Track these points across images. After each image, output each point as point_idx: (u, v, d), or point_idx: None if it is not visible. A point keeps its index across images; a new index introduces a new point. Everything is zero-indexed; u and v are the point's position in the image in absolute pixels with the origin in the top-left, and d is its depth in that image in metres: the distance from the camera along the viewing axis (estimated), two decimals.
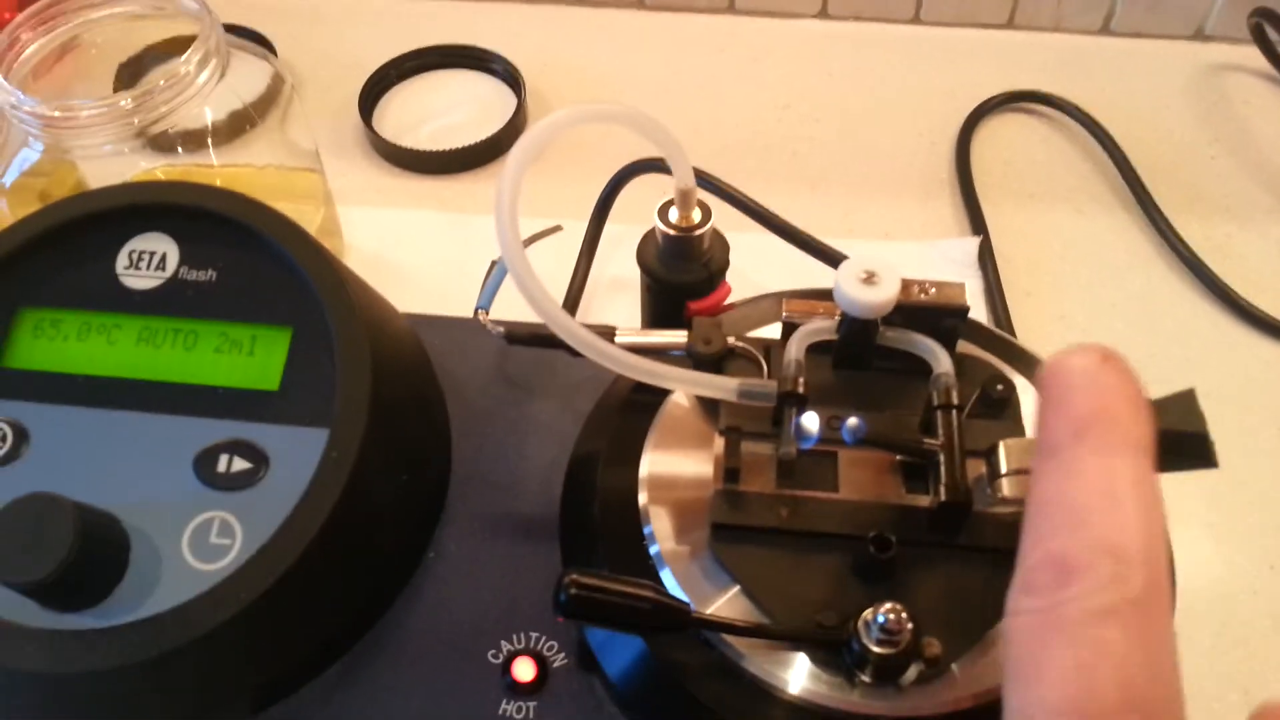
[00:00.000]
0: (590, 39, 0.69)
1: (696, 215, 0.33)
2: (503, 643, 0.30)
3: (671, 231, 0.32)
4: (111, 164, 0.49)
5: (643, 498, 0.29)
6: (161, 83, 0.45)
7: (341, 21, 0.71)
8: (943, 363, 0.28)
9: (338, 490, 0.28)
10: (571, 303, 0.52)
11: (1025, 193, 0.60)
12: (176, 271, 0.31)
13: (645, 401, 0.31)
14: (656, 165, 0.52)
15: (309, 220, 0.55)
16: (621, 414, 0.31)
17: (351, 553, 0.29)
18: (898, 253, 0.57)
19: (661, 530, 0.29)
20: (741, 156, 0.62)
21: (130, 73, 0.62)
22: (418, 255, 0.58)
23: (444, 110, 0.65)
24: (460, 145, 0.62)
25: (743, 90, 0.66)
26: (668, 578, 0.28)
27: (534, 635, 0.30)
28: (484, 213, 0.61)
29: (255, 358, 0.30)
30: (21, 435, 0.30)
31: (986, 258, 0.55)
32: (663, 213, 0.33)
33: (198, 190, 0.32)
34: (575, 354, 0.30)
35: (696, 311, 0.34)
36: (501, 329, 0.32)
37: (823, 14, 0.68)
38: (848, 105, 0.65)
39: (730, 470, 0.28)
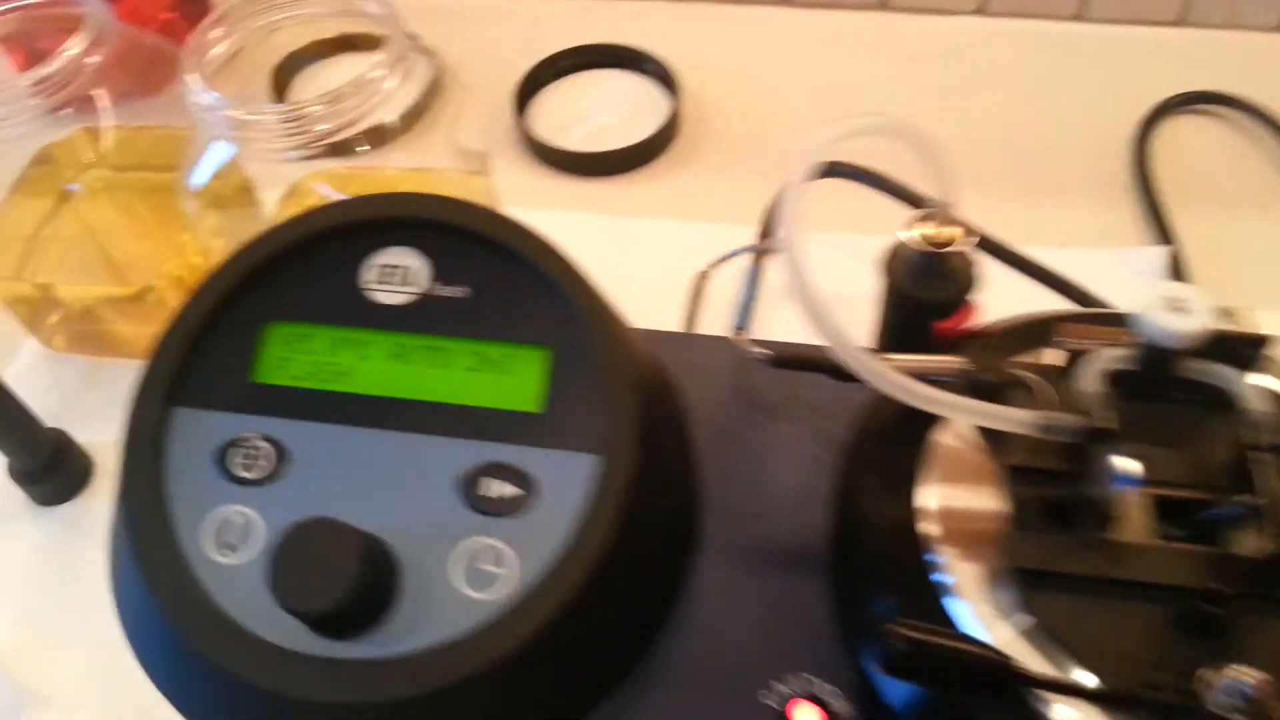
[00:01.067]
0: (740, 37, 0.67)
1: (950, 231, 0.31)
2: (772, 682, 0.28)
3: (926, 248, 0.31)
4: (284, 165, 0.48)
5: (926, 530, 0.28)
6: (351, 88, 0.44)
7: (489, 20, 0.70)
8: (1254, 398, 0.27)
9: (615, 519, 0.27)
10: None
11: (1210, 199, 0.58)
12: (428, 287, 0.31)
13: (912, 429, 0.29)
14: (839, 171, 0.51)
15: None
16: (890, 442, 0.30)
17: (627, 584, 0.28)
18: (1079, 261, 0.55)
19: (951, 567, 0.27)
20: (906, 159, 0.61)
21: (283, 75, 0.62)
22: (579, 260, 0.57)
23: (597, 110, 0.64)
24: (617, 147, 0.60)
25: (902, 90, 0.64)
26: (964, 616, 0.27)
27: (805, 676, 0.28)
28: (642, 216, 0.60)
29: (512, 378, 0.29)
30: (282, 453, 0.29)
31: (1178, 269, 0.53)
32: (917, 226, 0.31)
33: (447, 204, 0.31)
34: (842, 378, 0.29)
35: (944, 332, 0.32)
36: (767, 351, 0.31)
37: (980, 10, 0.66)
38: (1013, 107, 0.63)
39: (1027, 511, 0.27)
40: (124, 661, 0.47)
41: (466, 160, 0.52)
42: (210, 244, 0.55)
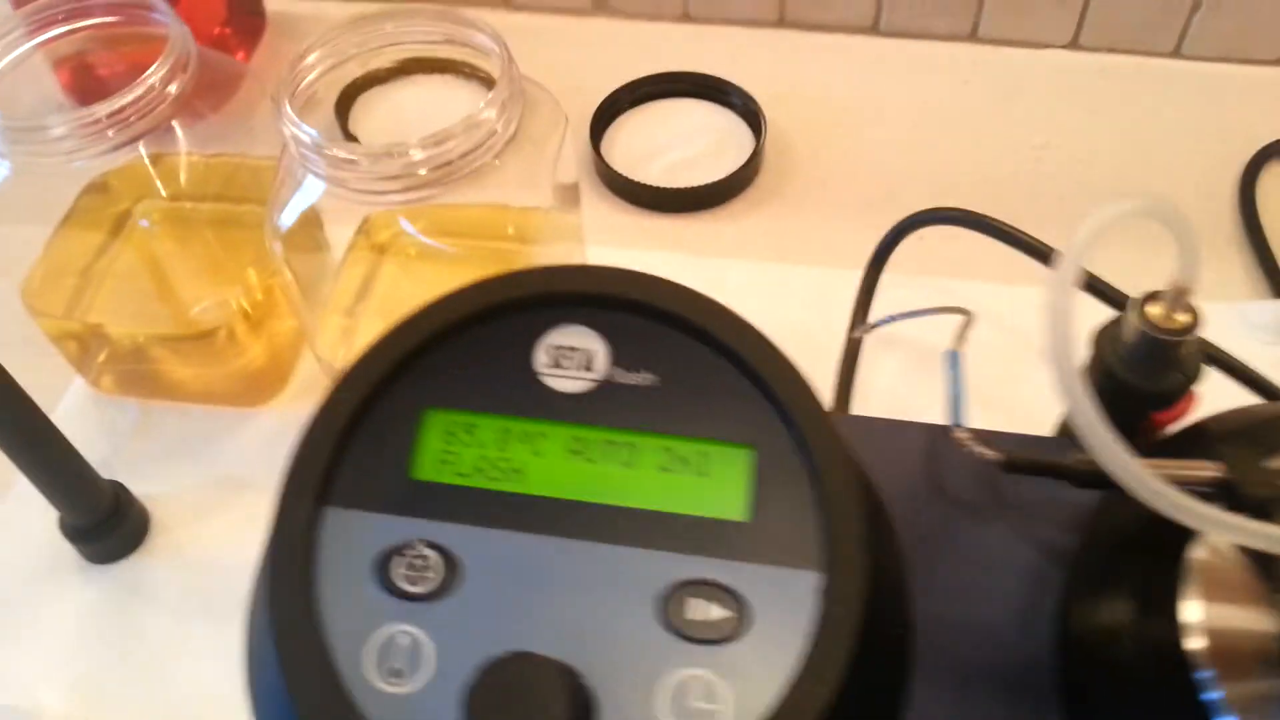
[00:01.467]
0: (825, 66, 0.64)
1: (1184, 317, 0.28)
2: None
3: (1156, 332, 0.28)
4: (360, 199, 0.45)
5: (1194, 648, 0.25)
6: (461, 128, 0.41)
7: (564, 43, 0.66)
8: None
9: (846, 649, 0.24)
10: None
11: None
12: (608, 373, 0.27)
13: (1161, 538, 0.26)
14: (933, 218, 0.48)
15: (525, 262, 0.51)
16: (1138, 553, 0.26)
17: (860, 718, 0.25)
18: None
19: (1221, 687, 0.24)
20: (1001, 199, 0.58)
21: (344, 102, 0.58)
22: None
23: (677, 143, 0.61)
24: (699, 183, 0.57)
25: (994, 125, 0.61)
26: None
27: None
28: (727, 255, 0.57)
29: (712, 480, 0.26)
30: (451, 563, 0.26)
31: None
32: (1145, 308, 0.28)
33: (628, 278, 0.28)
34: (1083, 485, 0.26)
35: (1163, 423, 0.29)
36: (997, 454, 0.27)
37: (1074, 44, 0.64)
38: (1111, 145, 0.60)
39: None
40: None
41: (563, 196, 0.49)
42: (275, 282, 0.51)
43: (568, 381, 0.27)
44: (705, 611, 0.25)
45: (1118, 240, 0.55)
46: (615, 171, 0.58)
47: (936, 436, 0.30)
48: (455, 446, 0.27)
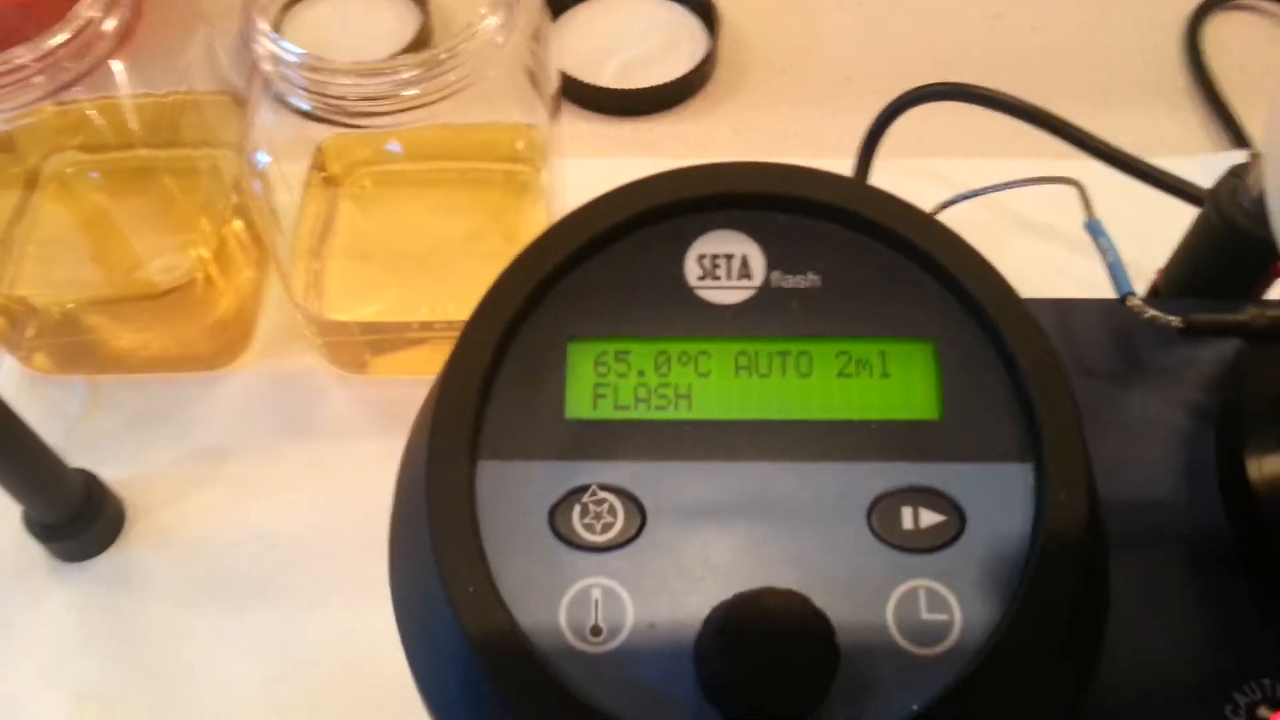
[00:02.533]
0: None
1: None
2: (1235, 695, 0.25)
3: None
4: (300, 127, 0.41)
5: None
6: (466, 44, 0.37)
7: None
8: None
9: (1078, 540, 0.22)
10: None
11: (1267, 98, 0.56)
12: (766, 278, 0.25)
13: None
14: (934, 93, 0.46)
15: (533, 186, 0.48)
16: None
17: (1088, 609, 0.24)
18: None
19: None
20: (959, 72, 0.57)
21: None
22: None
23: (623, 42, 0.58)
24: (657, 83, 0.54)
25: (944, 6, 0.60)
26: None
27: (1265, 683, 0.25)
28: (698, 156, 0.54)
29: (894, 380, 0.24)
30: (632, 505, 0.23)
31: None
32: None
33: (773, 172, 0.25)
34: (1258, 341, 0.25)
35: None
36: (1174, 319, 0.26)
37: None
38: (1060, 11, 0.60)
39: None
40: None
41: (550, 106, 0.45)
42: (229, 230, 0.46)
43: (724, 292, 0.25)
44: (917, 519, 0.23)
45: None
46: (568, 75, 0.54)
47: (1052, 309, 0.29)
48: (609, 378, 0.24)
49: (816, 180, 0.25)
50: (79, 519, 0.42)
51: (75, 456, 0.44)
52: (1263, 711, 0.25)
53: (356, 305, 0.47)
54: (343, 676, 0.41)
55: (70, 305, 0.45)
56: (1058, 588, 0.22)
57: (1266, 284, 0.30)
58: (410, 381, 0.48)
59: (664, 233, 0.25)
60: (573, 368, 0.24)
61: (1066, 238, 0.49)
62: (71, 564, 0.43)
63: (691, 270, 0.25)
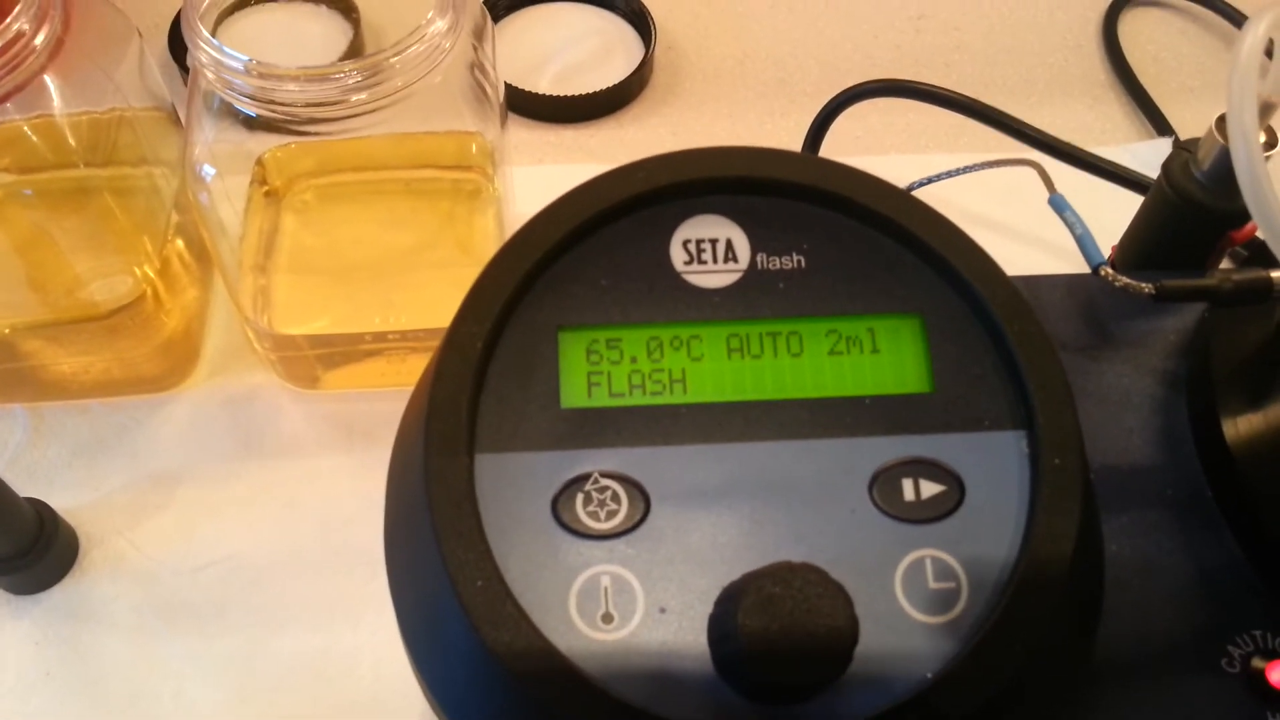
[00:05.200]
0: None
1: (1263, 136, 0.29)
2: (1229, 647, 0.26)
3: None
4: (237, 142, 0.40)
5: None
6: (413, 47, 0.37)
7: None
8: None
9: (1075, 501, 0.23)
10: None
11: (1186, 89, 0.59)
12: (752, 260, 0.25)
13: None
14: (875, 90, 0.47)
15: (484, 194, 0.48)
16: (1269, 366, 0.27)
17: (1093, 568, 0.24)
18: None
19: None
20: (889, 72, 0.58)
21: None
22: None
23: (558, 51, 0.58)
24: (595, 90, 0.54)
25: (871, 3, 0.61)
26: None
27: (1256, 634, 0.26)
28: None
29: (884, 355, 0.25)
30: (635, 490, 0.23)
31: None
32: (1225, 128, 0.29)
33: (754, 156, 0.25)
34: (1227, 304, 0.26)
35: (1237, 242, 0.30)
36: (1147, 286, 0.27)
37: None
38: (980, 9, 0.61)
39: None
40: None
41: (501, 113, 0.45)
42: (171, 249, 0.45)
43: (712, 276, 0.25)
44: (918, 490, 0.23)
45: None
46: (506, 83, 0.54)
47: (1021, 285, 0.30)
48: (602, 365, 0.24)
49: (796, 163, 0.25)
50: (32, 550, 0.40)
51: (21, 487, 0.42)
52: (1256, 662, 0.25)
53: (305, 319, 0.46)
54: (310, 696, 0.41)
55: (6, 330, 0.44)
56: (1058, 548, 0.23)
57: (1219, 256, 0.31)
58: (364, 395, 0.48)
59: (647, 220, 0.25)
60: (565, 357, 0.24)
61: (1014, 229, 0.50)
62: (25, 596, 0.42)
63: (678, 255, 0.25)
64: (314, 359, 0.46)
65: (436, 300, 0.38)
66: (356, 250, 0.47)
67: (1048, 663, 0.23)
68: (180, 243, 0.46)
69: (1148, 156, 0.55)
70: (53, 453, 0.45)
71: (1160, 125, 0.56)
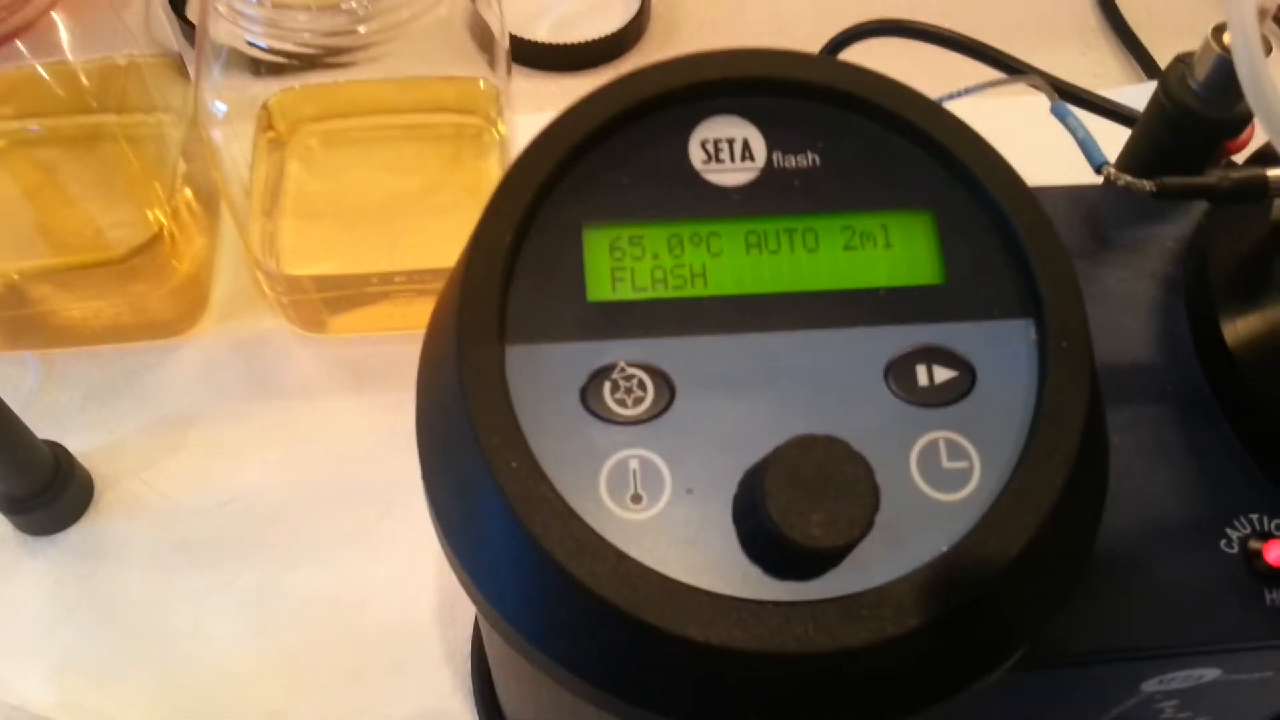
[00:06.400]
0: None
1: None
2: (1228, 530, 0.27)
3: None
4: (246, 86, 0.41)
5: None
6: None
7: None
8: None
9: (1085, 382, 0.24)
10: None
11: (1176, 32, 0.60)
12: (769, 159, 0.26)
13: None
14: (875, 29, 0.48)
15: (487, 137, 0.48)
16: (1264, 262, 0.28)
17: (1099, 450, 0.25)
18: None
19: None
20: (887, 15, 0.59)
21: None
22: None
23: (555, 0, 0.58)
24: (592, 38, 0.55)
25: None
26: None
27: (1253, 518, 0.27)
28: None
29: (897, 249, 0.25)
30: (660, 379, 0.24)
31: None
32: (1224, 36, 0.30)
33: (769, 57, 0.26)
34: (1225, 201, 0.27)
35: (1234, 150, 0.31)
36: (1148, 184, 0.28)
37: None
38: None
39: None
40: (196, 689, 0.39)
41: (507, 60, 0.46)
42: (180, 197, 0.46)
43: (730, 174, 0.26)
44: (932, 376, 0.24)
45: None
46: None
47: None
48: (626, 262, 0.25)
49: (811, 63, 0.26)
50: (48, 490, 0.41)
51: (35, 431, 0.43)
52: (1253, 544, 0.26)
53: (313, 261, 0.47)
54: (325, 627, 0.41)
55: (16, 277, 0.44)
56: (1067, 427, 0.23)
57: (1220, 160, 0.32)
58: (371, 339, 0.48)
59: (666, 120, 0.26)
60: (589, 253, 0.25)
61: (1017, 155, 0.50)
62: (43, 537, 0.42)
63: (696, 155, 0.26)
64: (322, 302, 0.47)
65: (441, 242, 0.39)
66: (362, 194, 0.48)
67: (1056, 539, 0.23)
68: (188, 191, 0.47)
69: (1139, 100, 0.56)
70: (65, 398, 0.45)
71: (1151, 69, 0.57)
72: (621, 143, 0.25)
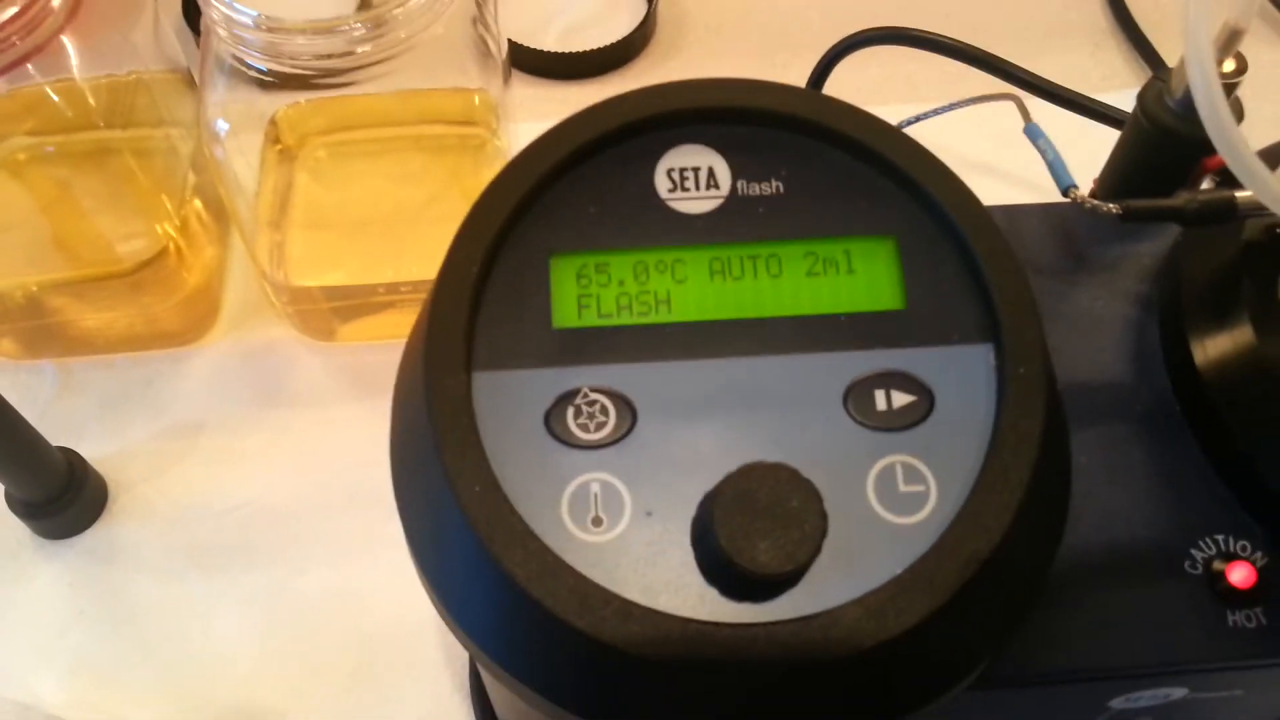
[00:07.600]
0: None
1: (1232, 64, 0.30)
2: (1193, 551, 0.27)
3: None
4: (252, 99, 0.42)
5: None
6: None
7: None
8: None
9: (1040, 408, 0.24)
10: None
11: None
12: (733, 187, 0.26)
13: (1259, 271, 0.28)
14: (875, 38, 0.48)
15: (489, 148, 0.49)
16: (1239, 285, 0.28)
17: (1059, 473, 0.25)
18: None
19: None
20: (894, 23, 0.59)
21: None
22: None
23: (561, 8, 0.59)
24: (599, 45, 0.56)
25: None
26: None
27: (1218, 538, 0.27)
28: None
29: (859, 275, 0.26)
30: (623, 404, 0.25)
31: None
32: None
33: (735, 87, 0.27)
34: (1191, 224, 0.27)
35: (1211, 169, 0.31)
36: (1114, 207, 0.28)
37: None
38: None
39: None
40: (205, 690, 0.40)
41: (505, 70, 0.46)
42: (190, 209, 0.47)
43: (694, 202, 0.26)
44: (890, 400, 0.25)
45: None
46: (511, 41, 0.55)
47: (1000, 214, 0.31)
48: (591, 288, 0.25)
49: (775, 92, 0.26)
50: (63, 496, 0.42)
51: (51, 438, 0.44)
52: (1217, 564, 0.27)
53: (320, 272, 0.48)
54: (331, 629, 0.42)
55: (34, 288, 0.46)
56: (1022, 452, 0.24)
57: (1195, 184, 0.32)
58: (377, 347, 0.49)
59: (633, 149, 0.26)
60: (556, 280, 0.25)
61: (1004, 171, 0.51)
62: (58, 541, 0.44)
63: (662, 183, 0.26)
64: (329, 311, 0.48)
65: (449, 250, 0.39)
66: (368, 205, 0.48)
67: (1013, 560, 0.24)
68: (198, 203, 0.48)
69: None
70: (81, 405, 0.47)
71: (1157, 70, 0.56)
72: (590, 171, 0.26)
